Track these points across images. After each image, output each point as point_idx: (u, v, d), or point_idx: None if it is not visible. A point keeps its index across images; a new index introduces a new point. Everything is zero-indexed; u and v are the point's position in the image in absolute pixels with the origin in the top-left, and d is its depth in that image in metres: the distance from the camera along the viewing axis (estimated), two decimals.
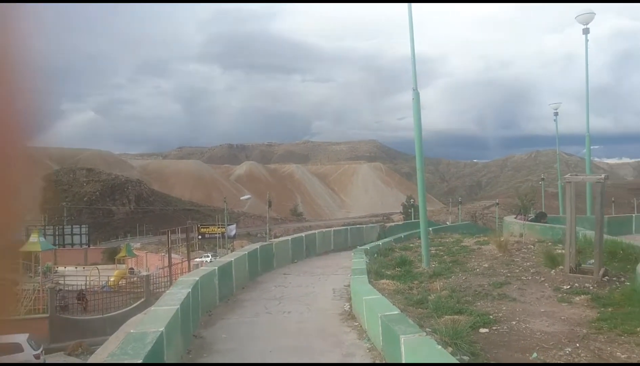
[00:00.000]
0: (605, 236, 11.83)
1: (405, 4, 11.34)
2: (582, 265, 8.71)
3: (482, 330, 6.20)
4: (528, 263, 10.51)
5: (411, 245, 15.34)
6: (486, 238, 15.55)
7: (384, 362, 5.88)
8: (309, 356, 6.35)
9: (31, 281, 29.12)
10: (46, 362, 19.22)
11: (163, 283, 31.52)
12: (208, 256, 51.74)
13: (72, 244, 74.12)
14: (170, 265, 34.95)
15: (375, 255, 13.01)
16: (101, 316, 27.49)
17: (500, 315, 6.90)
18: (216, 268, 9.71)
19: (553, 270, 9.05)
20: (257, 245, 13.37)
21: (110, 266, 51.68)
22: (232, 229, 75.38)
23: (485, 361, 5.27)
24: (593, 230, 13.33)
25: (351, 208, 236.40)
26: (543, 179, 40.79)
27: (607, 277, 8.20)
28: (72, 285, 32.04)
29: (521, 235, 14.00)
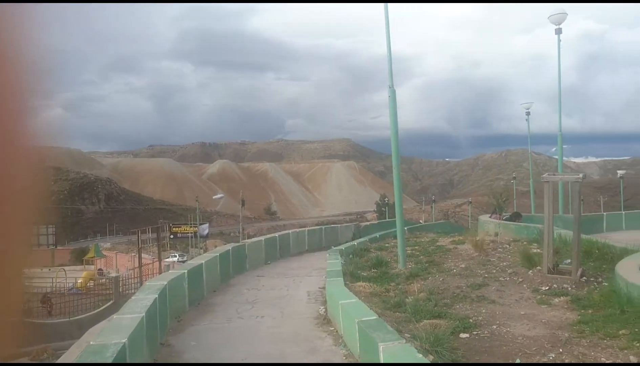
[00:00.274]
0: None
1: (381, 4, 11.12)
2: (560, 265, 8.62)
3: (463, 335, 5.99)
4: (505, 263, 10.40)
5: (387, 245, 15.14)
6: (461, 238, 15.48)
7: (367, 362, 5.61)
8: None
9: None
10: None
11: (133, 285, 30.72)
12: (175, 256, 50.74)
13: (39, 245, 72.02)
14: (140, 266, 34.11)
15: (351, 256, 12.76)
16: (67, 319, 26.58)
17: (480, 318, 6.71)
18: (185, 271, 9.29)
19: (530, 271, 8.94)
20: (228, 246, 12.96)
21: (79, 267, 50.31)
22: (204, 229, 74.50)
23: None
24: (567, 229, 13.40)
25: (325, 207, 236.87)
26: (514, 178, 41.34)
27: (584, 277, 8.12)
28: (37, 288, 30.96)
29: (496, 234, 13.95)
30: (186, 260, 48.46)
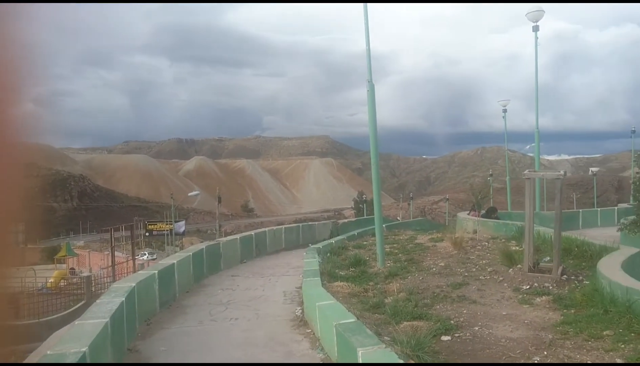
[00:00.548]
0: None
1: (361, 4, 10.88)
2: (540, 264, 8.49)
3: (444, 338, 5.77)
4: (484, 261, 10.26)
5: (365, 243, 14.93)
6: (440, 235, 15.36)
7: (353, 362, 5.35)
8: None
9: None
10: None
11: (106, 284, 29.98)
12: (145, 254, 49.78)
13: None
14: (113, 265, 33.33)
15: (328, 254, 12.50)
16: (37, 320, 25.74)
17: (462, 319, 6.50)
18: (156, 271, 8.88)
19: (511, 269, 8.80)
20: (202, 245, 12.56)
21: (50, 266, 49.00)
22: (181, 226, 73.53)
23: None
24: (545, 226, 13.38)
25: (303, 204, 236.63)
26: (491, 175, 41.65)
27: (565, 276, 8.00)
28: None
29: (475, 232, 13.85)
30: (156, 258, 47.72)
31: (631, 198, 31.43)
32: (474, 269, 9.52)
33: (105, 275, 33.72)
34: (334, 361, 5.75)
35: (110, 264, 34.11)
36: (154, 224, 73.79)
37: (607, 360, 4.90)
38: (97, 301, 7.06)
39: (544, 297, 7.16)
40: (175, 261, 9.98)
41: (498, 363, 5.44)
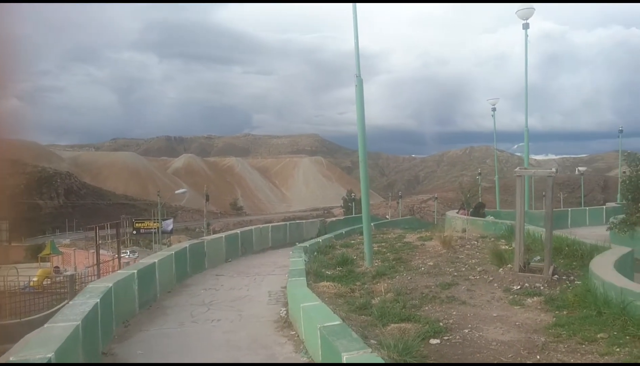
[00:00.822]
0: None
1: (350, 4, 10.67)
2: (531, 263, 8.30)
3: (433, 341, 5.53)
4: (474, 260, 10.06)
5: (352, 242, 14.68)
6: (428, 234, 15.16)
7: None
8: None
9: None
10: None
11: (91, 283, 29.37)
12: (126, 253, 49.12)
13: None
14: (98, 263, 32.74)
15: (315, 253, 12.23)
16: (18, 320, 25.18)
17: (451, 321, 6.27)
18: (135, 271, 8.55)
19: (501, 269, 8.59)
20: (185, 244, 12.23)
21: (34, 265, 48.18)
22: (168, 224, 72.89)
23: None
24: (535, 225, 13.23)
25: (292, 202, 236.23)
26: (480, 173, 41.67)
27: (556, 275, 7.81)
28: None
29: (464, 230, 13.67)
30: (138, 256, 47.11)
31: (618, 197, 31.58)
32: (464, 269, 9.31)
33: (91, 274, 33.12)
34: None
35: (95, 262, 33.52)
36: (142, 223, 73.09)
37: None
38: (71, 302, 6.74)
39: (535, 298, 6.96)
40: (156, 261, 9.65)
41: (493, 363, 5.23)
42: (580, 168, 54.18)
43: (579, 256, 9.07)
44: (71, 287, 28.67)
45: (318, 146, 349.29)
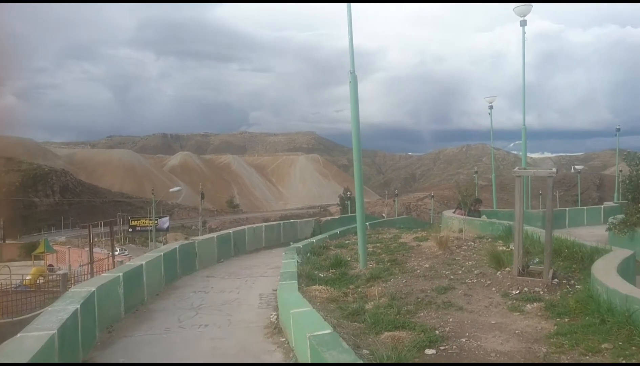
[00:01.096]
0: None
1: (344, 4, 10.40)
2: (530, 266, 8.02)
3: (429, 351, 5.25)
4: (470, 262, 9.78)
5: (347, 242, 14.39)
6: (424, 234, 14.88)
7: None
8: None
9: None
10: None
11: (73, 287, 29.02)
12: (116, 251, 48.70)
13: None
14: (91, 261, 32.40)
15: (308, 254, 11.93)
16: (10, 319, 24.82)
17: (448, 329, 5.98)
18: (121, 274, 8.25)
19: (499, 272, 8.31)
20: (175, 244, 11.92)
21: (29, 263, 47.79)
22: (164, 222, 72.55)
23: None
24: (532, 225, 12.97)
25: (288, 200, 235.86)
26: (476, 172, 41.43)
27: (556, 279, 7.53)
28: None
29: (461, 231, 13.39)
30: (128, 254, 46.67)
31: (615, 196, 31.36)
32: (460, 272, 9.03)
33: (85, 272, 32.80)
34: None
35: (89, 261, 33.17)
36: (138, 220, 72.74)
37: None
38: (49, 308, 6.44)
39: (535, 304, 6.67)
40: (143, 262, 9.35)
41: (493, 363, 4.98)
42: (577, 167, 54.01)
43: (579, 259, 8.79)
44: (64, 286, 28.30)
45: (315, 144, 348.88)
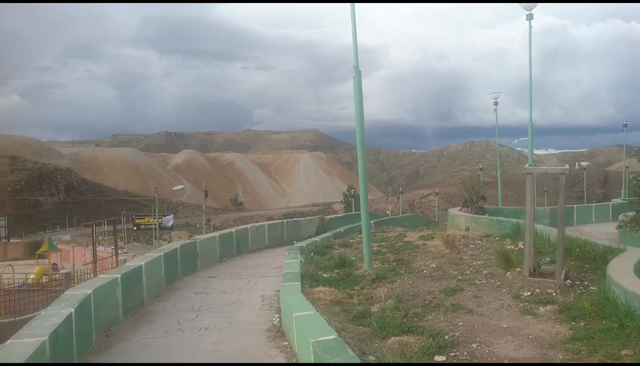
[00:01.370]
0: (555, 230, 11.10)
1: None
2: (542, 267, 7.74)
3: (438, 358, 4.99)
4: (478, 262, 9.51)
5: (351, 241, 14.15)
6: (430, 232, 14.63)
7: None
8: None
9: None
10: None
11: (69, 289, 28.85)
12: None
13: None
14: (95, 260, 32.30)
15: (312, 254, 11.69)
16: (13, 319, 24.72)
17: (457, 333, 5.72)
18: (119, 275, 8.02)
19: (509, 272, 8.04)
20: (176, 244, 11.70)
21: (33, 262, 47.75)
22: (169, 220, 72.51)
23: None
24: (540, 223, 12.68)
25: (292, 197, 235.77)
26: (482, 169, 41.07)
27: (569, 280, 7.25)
28: None
29: (467, 229, 13.12)
30: (127, 252, 46.40)
31: (622, 192, 30.93)
32: (468, 272, 8.76)
33: (89, 271, 32.69)
34: None
35: (92, 259, 33.05)
36: (142, 218, 72.71)
37: None
38: (42, 312, 6.21)
39: (548, 306, 6.39)
40: (143, 263, 9.12)
41: (492, 363, 4.73)
42: (582, 163, 53.51)
43: (591, 258, 8.50)
44: (67, 285, 28.22)
45: (318, 142, 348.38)
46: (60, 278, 33.43)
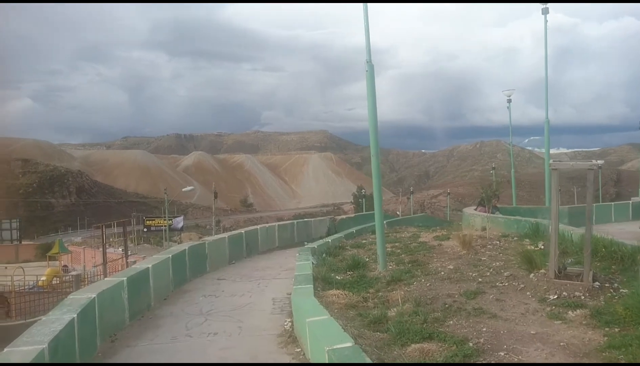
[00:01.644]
0: (577, 229, 10.68)
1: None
2: (567, 268, 7.33)
3: None
4: (498, 263, 9.12)
5: (364, 241, 13.79)
6: (445, 232, 14.23)
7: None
8: None
9: None
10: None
11: (72, 293, 28.78)
12: (122, 250, 48.50)
13: (2, 241, 68.79)
14: (104, 262, 32.25)
15: (324, 255, 11.35)
16: (24, 321, 24.64)
17: (482, 340, 5.35)
18: (125, 278, 7.73)
19: (532, 274, 7.64)
20: (185, 245, 11.40)
21: (44, 264, 47.88)
22: (179, 222, 72.65)
23: None
24: (560, 223, 12.22)
25: (302, 198, 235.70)
26: (494, 167, 40.52)
27: (597, 283, 6.85)
28: None
29: (484, 229, 12.71)
30: (131, 254, 46.21)
31: (639, 192, 30.23)
32: (488, 274, 8.37)
33: (99, 273, 32.63)
34: None
35: (102, 261, 32.98)
36: (152, 220, 72.92)
37: None
38: (44, 318, 5.94)
39: (578, 310, 6.00)
40: (150, 265, 8.83)
41: (496, 364, 4.39)
42: (598, 161, 52.54)
43: (618, 259, 8.08)
44: (76, 286, 28.10)
45: (327, 142, 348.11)
46: (71, 279, 33.37)
